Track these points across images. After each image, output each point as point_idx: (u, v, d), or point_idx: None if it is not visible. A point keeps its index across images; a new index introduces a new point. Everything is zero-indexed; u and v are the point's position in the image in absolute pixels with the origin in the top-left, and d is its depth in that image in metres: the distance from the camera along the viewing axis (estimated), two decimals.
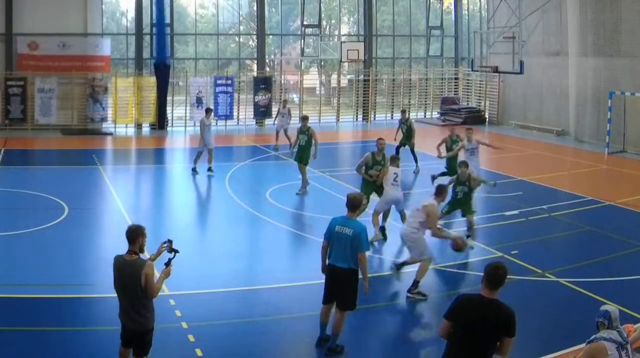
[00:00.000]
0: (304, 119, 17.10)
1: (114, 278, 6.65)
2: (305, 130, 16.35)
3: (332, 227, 7.79)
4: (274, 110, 29.91)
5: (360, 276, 7.73)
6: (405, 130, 19.53)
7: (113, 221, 13.71)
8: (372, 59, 31.77)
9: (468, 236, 12.08)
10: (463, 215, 12.55)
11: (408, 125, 19.57)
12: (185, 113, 28.34)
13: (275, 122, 23.41)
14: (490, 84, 31.46)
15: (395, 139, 19.83)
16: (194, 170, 18.42)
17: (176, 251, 6.73)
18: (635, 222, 14.25)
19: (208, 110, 19.35)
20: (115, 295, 6.67)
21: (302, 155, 16.24)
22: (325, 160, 17.95)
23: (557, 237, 12.45)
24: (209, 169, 18.25)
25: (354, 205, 7.81)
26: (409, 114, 20.73)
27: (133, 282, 6.39)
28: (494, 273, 5.46)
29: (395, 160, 12.72)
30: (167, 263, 6.64)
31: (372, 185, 12.82)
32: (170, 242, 6.77)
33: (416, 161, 18.94)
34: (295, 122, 21.42)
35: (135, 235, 6.49)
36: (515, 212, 14.22)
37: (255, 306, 9.34)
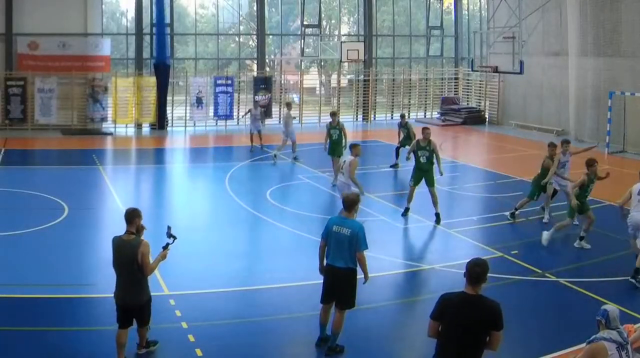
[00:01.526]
0: (334, 114, 18.30)
1: (112, 257, 7.22)
2: (335, 125, 17.60)
3: (329, 227, 7.80)
4: (274, 110, 29.91)
5: (359, 276, 7.74)
6: (406, 133, 19.94)
7: (113, 221, 13.69)
8: (372, 59, 31.76)
9: (582, 238, 12.19)
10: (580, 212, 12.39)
11: (407, 128, 19.98)
12: (185, 113, 28.34)
13: (247, 124, 22.83)
14: (490, 84, 31.45)
15: (399, 142, 20.15)
16: (274, 156, 20.34)
17: (174, 237, 7.29)
18: None
19: (289, 105, 21.84)
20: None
21: (336, 149, 17.38)
22: (326, 160, 17.99)
23: (557, 237, 12.44)
24: (295, 158, 20.30)
25: (349, 205, 7.81)
26: (408, 117, 21.09)
27: (130, 259, 6.98)
28: (473, 270, 5.52)
29: (354, 147, 13.01)
30: (165, 247, 7.22)
31: (421, 172, 13.72)
32: (169, 228, 7.33)
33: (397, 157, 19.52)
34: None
35: (131, 216, 7.17)
36: (516, 212, 14.19)
37: (255, 306, 9.33)
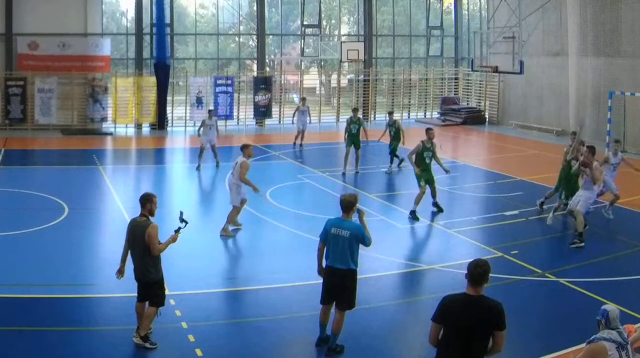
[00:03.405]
0: (356, 110, 19.95)
1: (129, 237, 7.80)
2: (355, 120, 18.91)
3: (327, 228, 7.79)
4: (274, 110, 29.87)
5: (359, 276, 7.75)
6: (394, 132, 19.35)
7: (113, 221, 13.70)
8: (372, 59, 31.75)
9: None
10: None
11: (396, 127, 19.38)
12: (185, 113, 28.33)
13: (200, 135, 19.53)
14: (490, 84, 31.45)
15: (380, 139, 20.14)
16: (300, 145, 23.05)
17: (186, 221, 7.72)
18: (635, 222, 14.25)
19: (304, 100, 24.25)
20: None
21: (355, 141, 18.67)
22: (326, 160, 18.03)
23: (557, 237, 12.44)
24: (300, 145, 22.98)
25: (347, 206, 7.80)
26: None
27: (140, 239, 7.55)
28: (474, 271, 5.50)
29: (245, 148, 13.05)
30: (176, 231, 7.70)
31: (427, 172, 14.23)
32: (181, 213, 7.77)
33: (391, 162, 19.06)
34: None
35: (144, 200, 7.76)
36: (515, 212, 14.21)
37: (255, 306, 9.33)
